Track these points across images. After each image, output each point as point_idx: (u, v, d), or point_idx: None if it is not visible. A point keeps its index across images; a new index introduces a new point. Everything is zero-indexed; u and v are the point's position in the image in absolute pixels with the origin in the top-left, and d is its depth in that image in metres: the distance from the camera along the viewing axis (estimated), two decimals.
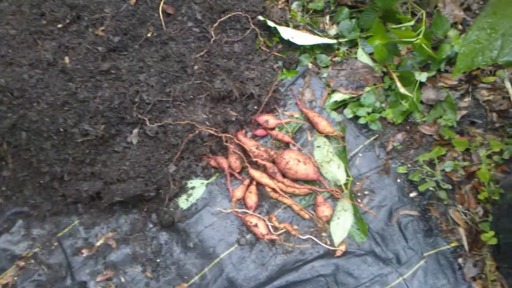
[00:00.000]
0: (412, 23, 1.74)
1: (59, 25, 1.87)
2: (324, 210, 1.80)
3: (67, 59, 1.85)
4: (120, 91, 1.82)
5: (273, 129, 1.94)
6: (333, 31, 2.07)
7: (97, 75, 1.85)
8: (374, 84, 1.95)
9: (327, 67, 2.03)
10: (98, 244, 1.85)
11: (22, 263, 1.82)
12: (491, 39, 1.20)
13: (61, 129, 1.76)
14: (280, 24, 2.02)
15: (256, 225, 1.77)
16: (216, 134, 1.86)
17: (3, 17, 1.86)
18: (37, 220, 1.89)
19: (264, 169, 1.89)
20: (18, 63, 1.80)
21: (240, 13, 2.00)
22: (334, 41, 2.02)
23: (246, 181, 1.88)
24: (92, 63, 1.85)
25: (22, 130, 1.78)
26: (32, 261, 1.83)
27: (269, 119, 1.91)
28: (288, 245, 1.79)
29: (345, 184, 1.86)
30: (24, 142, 1.80)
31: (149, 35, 1.95)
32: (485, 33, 1.21)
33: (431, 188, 1.83)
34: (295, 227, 1.82)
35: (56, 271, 1.82)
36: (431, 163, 1.86)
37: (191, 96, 1.91)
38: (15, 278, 1.80)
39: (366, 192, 1.86)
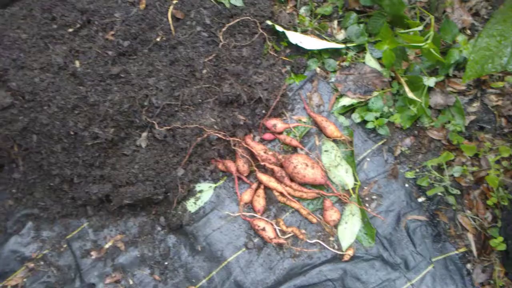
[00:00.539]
0: (420, 28, 1.74)
1: (70, 30, 1.89)
2: (332, 215, 1.80)
3: (77, 63, 1.87)
4: (130, 95, 1.83)
5: (281, 133, 1.95)
6: (341, 36, 2.07)
7: (107, 79, 1.86)
8: (382, 89, 1.95)
9: (335, 71, 2.03)
10: (106, 246, 1.87)
11: (31, 265, 1.84)
12: (501, 46, 1.21)
13: (72, 132, 1.78)
14: (288, 29, 2.04)
15: (263, 229, 1.77)
16: (224, 138, 1.87)
17: (15, 22, 1.88)
18: (47, 222, 1.91)
19: (272, 173, 1.89)
20: (30, 67, 1.82)
21: (248, 17, 2.01)
22: (342, 46, 2.02)
23: (254, 185, 1.89)
24: (102, 67, 1.87)
25: (33, 133, 1.80)
26: (42, 263, 1.85)
27: (277, 123, 1.92)
28: (295, 249, 1.80)
29: (353, 189, 1.86)
30: (35, 145, 1.82)
31: (158, 39, 1.97)
32: (494, 40, 1.21)
33: (439, 193, 1.83)
34: (303, 231, 1.82)
35: (65, 273, 1.83)
36: (439, 168, 1.86)
37: (200, 100, 1.92)
38: (25, 279, 1.82)
39: (374, 197, 1.86)
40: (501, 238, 1.65)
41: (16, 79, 1.78)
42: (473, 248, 1.75)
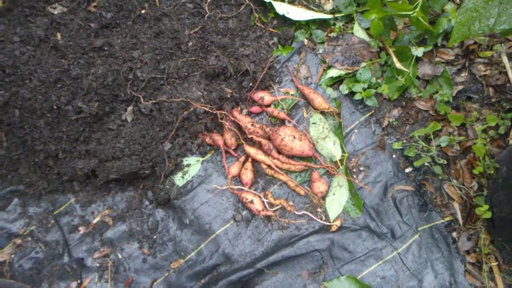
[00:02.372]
0: None
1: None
2: (320, 186, 1.80)
3: (59, 36, 1.82)
4: (114, 68, 1.80)
5: (268, 105, 1.93)
6: (329, 6, 2.04)
7: (90, 51, 1.82)
8: (370, 60, 1.93)
9: (322, 43, 2.00)
10: (94, 221, 1.86)
11: (19, 241, 1.83)
12: (488, 7, 1.18)
13: (54, 107, 1.75)
14: None
15: (251, 202, 1.77)
16: (211, 111, 1.84)
17: None
18: (33, 198, 1.89)
19: (259, 146, 1.88)
20: (10, 40, 1.77)
21: None
22: (330, 16, 1.99)
23: (242, 158, 1.88)
24: (84, 40, 1.83)
25: (15, 107, 1.77)
26: (29, 239, 1.84)
27: (265, 96, 1.90)
28: (283, 221, 1.80)
29: (341, 160, 1.85)
30: (18, 120, 1.78)
31: (142, 11, 1.92)
32: (482, 1, 1.18)
33: (426, 164, 1.83)
34: (291, 203, 1.83)
35: (53, 248, 1.82)
36: (426, 139, 1.86)
37: (186, 73, 1.89)
38: (12, 256, 1.81)
39: (361, 168, 1.86)
40: (486, 206, 1.66)
41: None
42: (459, 217, 1.77)
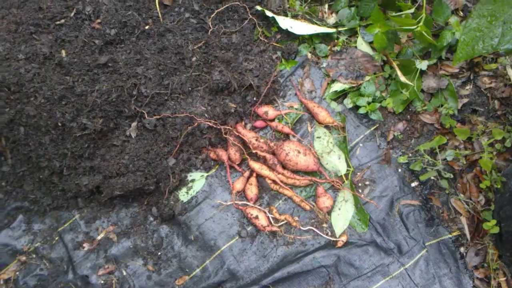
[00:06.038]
0: (412, 10, 1.71)
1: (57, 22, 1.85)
2: (325, 201, 1.79)
3: (63, 53, 1.83)
4: (118, 84, 1.80)
5: (272, 120, 1.93)
6: (332, 20, 2.04)
7: (94, 68, 1.83)
8: (374, 73, 1.92)
9: (326, 56, 2.00)
10: (99, 238, 1.85)
11: (23, 258, 1.82)
12: (491, 26, 1.18)
13: (59, 124, 1.75)
14: (278, 14, 2.00)
15: (256, 217, 1.76)
16: (215, 126, 1.84)
17: None
18: (38, 215, 1.89)
19: (264, 161, 1.87)
20: (15, 58, 1.78)
21: (237, 3, 1.97)
22: (333, 30, 1.99)
23: (246, 173, 1.87)
24: (89, 56, 1.83)
25: (20, 125, 1.77)
26: (34, 255, 1.83)
27: (269, 110, 1.90)
28: (289, 236, 1.79)
29: (346, 175, 1.84)
30: (23, 137, 1.79)
31: (146, 27, 1.93)
32: (485, 20, 1.18)
33: (432, 178, 1.82)
34: (296, 218, 1.81)
35: (57, 265, 1.82)
36: (432, 152, 1.85)
37: (190, 88, 1.89)
38: (17, 273, 1.80)
39: (367, 183, 1.85)
40: (494, 221, 1.65)
41: (1, 70, 1.74)
42: (466, 232, 1.75)
